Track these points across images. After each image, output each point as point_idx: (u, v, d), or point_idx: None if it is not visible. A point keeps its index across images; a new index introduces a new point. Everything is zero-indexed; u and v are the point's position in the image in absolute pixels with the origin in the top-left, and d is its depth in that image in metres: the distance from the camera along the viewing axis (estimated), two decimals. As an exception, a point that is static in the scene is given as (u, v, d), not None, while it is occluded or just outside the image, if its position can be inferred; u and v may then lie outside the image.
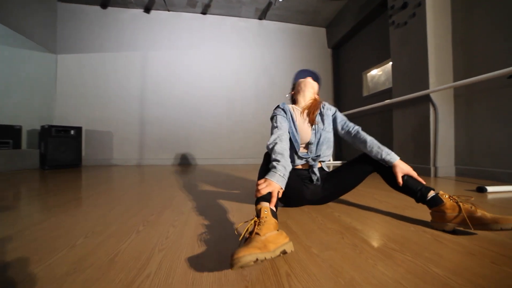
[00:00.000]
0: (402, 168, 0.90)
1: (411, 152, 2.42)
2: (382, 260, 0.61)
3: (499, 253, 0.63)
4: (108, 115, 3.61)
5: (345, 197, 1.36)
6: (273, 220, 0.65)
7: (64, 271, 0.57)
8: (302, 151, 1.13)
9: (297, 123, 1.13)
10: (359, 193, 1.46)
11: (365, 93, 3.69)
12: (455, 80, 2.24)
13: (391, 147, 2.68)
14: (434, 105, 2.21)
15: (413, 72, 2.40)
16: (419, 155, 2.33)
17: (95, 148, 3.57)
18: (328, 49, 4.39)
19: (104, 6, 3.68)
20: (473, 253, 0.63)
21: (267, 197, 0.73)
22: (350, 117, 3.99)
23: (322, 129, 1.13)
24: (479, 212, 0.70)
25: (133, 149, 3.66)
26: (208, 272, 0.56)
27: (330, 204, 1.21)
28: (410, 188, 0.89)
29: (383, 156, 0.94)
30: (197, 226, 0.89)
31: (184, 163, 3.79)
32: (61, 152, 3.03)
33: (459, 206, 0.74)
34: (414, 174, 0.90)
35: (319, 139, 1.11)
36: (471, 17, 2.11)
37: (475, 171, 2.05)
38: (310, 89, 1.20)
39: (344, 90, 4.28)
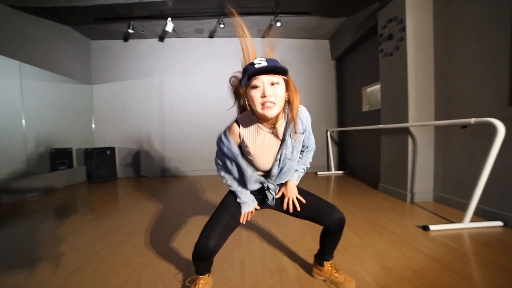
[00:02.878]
0: (288, 190, 1.00)
1: (393, 177, 2.65)
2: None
3: (358, 301, 1.01)
4: (135, 134, 4.29)
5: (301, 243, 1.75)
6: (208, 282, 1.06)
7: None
8: (258, 173, 0.98)
9: (254, 146, 0.88)
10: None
11: (364, 108, 3.82)
12: (436, 114, 2.36)
13: (379, 169, 2.90)
14: (413, 137, 2.40)
15: (396, 102, 2.57)
16: (398, 181, 2.56)
17: (127, 163, 4.30)
18: (332, 60, 4.50)
19: (125, 39, 4.25)
20: (340, 301, 1.02)
21: (203, 269, 1.02)
22: (350, 131, 4.16)
23: (289, 158, 0.90)
24: (339, 277, 1.10)
25: (157, 163, 4.32)
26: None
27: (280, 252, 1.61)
28: (329, 247, 1.10)
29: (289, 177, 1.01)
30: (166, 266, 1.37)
31: (200, 174, 4.36)
32: (101, 169, 3.78)
33: (330, 272, 1.12)
34: (294, 199, 0.99)
35: (282, 169, 0.92)
36: (451, 51, 2.20)
37: (448, 199, 2.24)
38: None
39: (346, 103, 4.41)
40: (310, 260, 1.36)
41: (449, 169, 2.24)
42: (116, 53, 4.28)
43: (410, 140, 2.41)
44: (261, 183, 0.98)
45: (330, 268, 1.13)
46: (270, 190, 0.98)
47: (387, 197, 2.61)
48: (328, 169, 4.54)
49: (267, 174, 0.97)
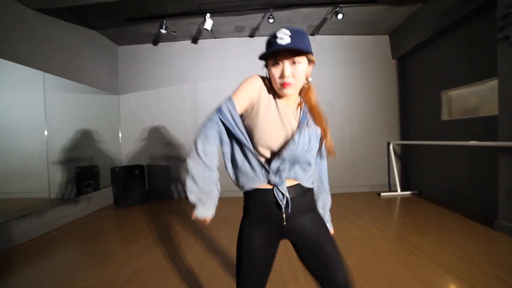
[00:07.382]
0: None
1: (531, 215, 1.88)
2: None
3: None
4: (165, 149, 3.78)
5: None
6: None
7: None
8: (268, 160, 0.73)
9: (267, 114, 0.72)
10: None
11: (445, 117, 3.06)
12: None
13: (493, 197, 2.14)
14: None
15: (536, 111, 1.82)
16: (545, 223, 1.79)
17: (157, 183, 3.79)
18: (393, 60, 3.78)
19: (155, 43, 3.78)
20: None
21: None
22: (418, 144, 3.37)
23: (305, 150, 0.72)
24: None
25: (189, 182, 3.77)
26: None
27: None
28: None
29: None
30: None
31: (239, 195, 3.77)
32: (130, 191, 3.28)
33: None
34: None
35: (295, 154, 0.70)
36: None
37: None
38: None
39: (413, 110, 3.65)
40: None
41: None
42: (145, 58, 3.82)
43: None
44: (266, 175, 0.72)
45: None
46: (280, 189, 0.71)
47: (523, 246, 1.85)
48: (390, 188, 3.79)
49: (271, 161, 0.71)
